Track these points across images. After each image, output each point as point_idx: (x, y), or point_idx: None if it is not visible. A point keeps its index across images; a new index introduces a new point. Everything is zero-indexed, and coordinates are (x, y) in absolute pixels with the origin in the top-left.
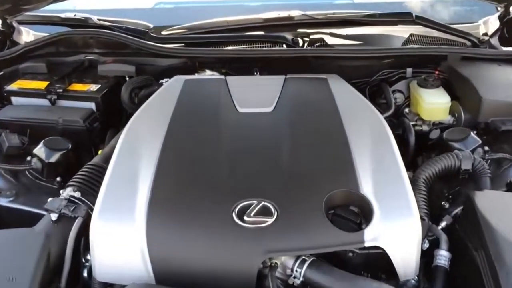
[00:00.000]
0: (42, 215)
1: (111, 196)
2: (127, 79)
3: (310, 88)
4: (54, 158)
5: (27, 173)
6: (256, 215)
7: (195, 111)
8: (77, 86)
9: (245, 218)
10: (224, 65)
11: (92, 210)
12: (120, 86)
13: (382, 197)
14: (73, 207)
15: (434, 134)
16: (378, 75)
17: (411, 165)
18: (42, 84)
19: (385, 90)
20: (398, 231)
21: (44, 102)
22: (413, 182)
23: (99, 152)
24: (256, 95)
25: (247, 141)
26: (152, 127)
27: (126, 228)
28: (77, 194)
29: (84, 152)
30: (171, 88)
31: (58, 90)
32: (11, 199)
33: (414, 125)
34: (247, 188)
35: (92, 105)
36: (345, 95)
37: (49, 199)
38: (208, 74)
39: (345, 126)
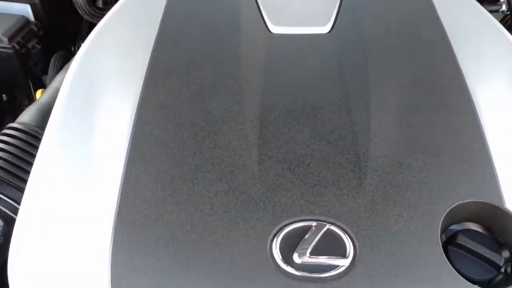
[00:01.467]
0: None
1: (48, 200)
2: None
3: None
4: None
5: None
6: (316, 253)
7: (194, 29)
8: None
9: (297, 259)
10: None
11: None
12: None
13: None
14: None
15: None
16: None
17: None
18: None
19: None
20: None
21: None
22: None
23: (38, 93)
24: (300, 3)
25: (287, 94)
26: (125, 55)
27: (75, 266)
28: None
29: (12, 92)
30: None
31: None
32: None
33: None
34: (292, 193)
35: (26, 9)
36: (455, 8)
37: None
38: None
39: (464, 70)
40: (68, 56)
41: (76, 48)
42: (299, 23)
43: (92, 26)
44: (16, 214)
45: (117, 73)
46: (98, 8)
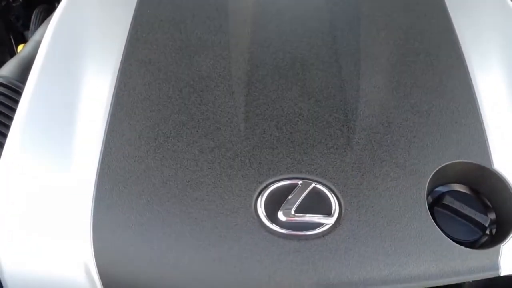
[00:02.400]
0: None
1: (27, 161)
2: None
3: None
4: None
5: None
6: (301, 211)
7: None
8: None
9: (282, 217)
10: None
11: None
12: None
13: None
14: None
15: None
16: None
17: None
18: None
19: None
20: None
21: None
22: None
23: (19, 48)
24: None
25: (275, 49)
26: (109, 9)
27: (56, 223)
28: None
29: None
30: None
31: None
32: None
33: None
34: (278, 151)
35: None
36: None
37: None
38: None
39: (458, 31)
40: (50, 10)
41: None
42: None
43: None
44: None
45: (100, 27)
46: None
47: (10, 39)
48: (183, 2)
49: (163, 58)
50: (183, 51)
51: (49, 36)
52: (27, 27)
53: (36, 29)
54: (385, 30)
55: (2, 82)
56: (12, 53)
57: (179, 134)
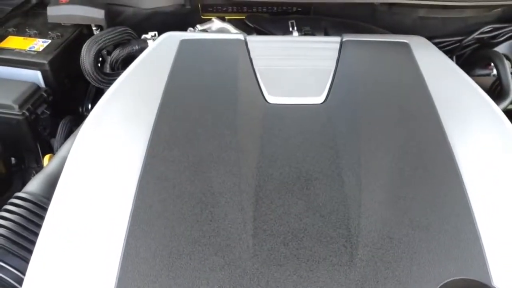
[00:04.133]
0: None
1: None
2: (94, 29)
3: (385, 61)
4: None
5: None
6: None
7: (195, 101)
8: (14, 41)
9: None
10: (240, 10)
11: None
12: (82, 43)
13: None
14: None
15: None
16: (479, 33)
17: None
18: None
19: (496, 60)
20: None
21: None
22: None
23: (45, 159)
24: (295, 75)
25: (282, 164)
26: (129, 127)
27: None
28: None
29: (22, 157)
30: (158, 54)
31: None
32: None
33: None
34: (285, 268)
35: (36, 75)
36: (445, 79)
37: None
38: (218, 25)
39: (451, 142)
40: (75, 120)
41: (84, 109)
42: (294, 94)
43: (99, 88)
44: (20, 284)
45: (120, 145)
46: (106, 74)
47: (37, 146)
48: (197, 120)
49: (178, 175)
50: (197, 167)
51: (73, 154)
52: (53, 135)
53: (62, 139)
54: (383, 145)
55: (29, 198)
56: (38, 160)
57: (191, 251)
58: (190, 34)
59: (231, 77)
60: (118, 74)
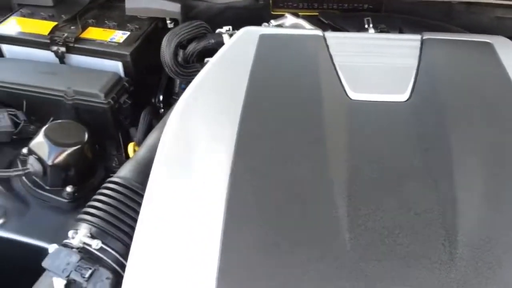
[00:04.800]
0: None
1: (156, 260)
2: (168, 23)
3: (468, 61)
4: (62, 157)
5: (22, 177)
6: None
7: (278, 97)
8: (94, 32)
9: None
10: (311, 6)
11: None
12: (158, 35)
13: None
14: (90, 270)
15: None
16: None
17: None
18: (45, 27)
19: None
20: None
21: (48, 55)
22: None
23: (129, 147)
24: (375, 71)
25: (370, 161)
26: (217, 121)
27: None
28: (96, 244)
29: (104, 144)
30: (239, 48)
31: (67, 39)
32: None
33: None
34: (383, 264)
35: (117, 66)
36: None
37: (50, 252)
38: (291, 21)
39: None
40: (155, 112)
41: (156, 100)
42: (377, 91)
43: (170, 79)
44: (120, 267)
45: (209, 139)
46: (183, 66)
47: (119, 136)
48: (283, 114)
49: (268, 168)
50: (286, 162)
51: (163, 146)
52: (133, 125)
53: (143, 129)
54: (475, 145)
55: (123, 183)
56: (119, 148)
57: (288, 243)
58: (268, 29)
59: (313, 73)
60: (195, 67)
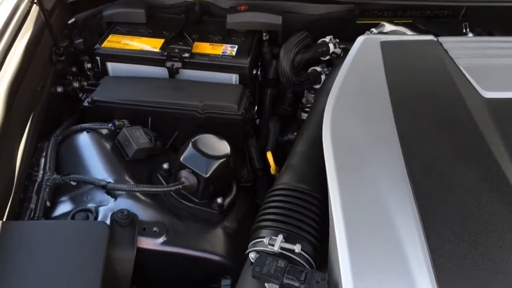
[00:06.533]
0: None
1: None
2: (264, 35)
3: None
4: (215, 169)
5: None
6: None
7: (422, 97)
8: (202, 47)
9: None
10: (394, 14)
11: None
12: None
13: None
14: (304, 273)
15: None
16: None
17: None
18: (150, 43)
19: None
20: None
21: (160, 71)
22: None
23: (269, 155)
24: (500, 70)
25: None
26: (373, 123)
27: None
28: (298, 248)
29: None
30: (365, 56)
31: (184, 54)
32: (163, 239)
33: None
34: None
35: (231, 79)
36: None
37: (251, 259)
38: (389, 28)
39: None
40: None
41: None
42: (510, 88)
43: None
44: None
45: (374, 142)
46: (298, 76)
47: (245, 145)
48: (433, 114)
49: (441, 165)
50: (454, 159)
51: (329, 149)
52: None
53: (273, 137)
54: None
55: (295, 188)
56: (244, 157)
57: (488, 231)
58: (385, 37)
59: (443, 75)
60: (307, 78)
